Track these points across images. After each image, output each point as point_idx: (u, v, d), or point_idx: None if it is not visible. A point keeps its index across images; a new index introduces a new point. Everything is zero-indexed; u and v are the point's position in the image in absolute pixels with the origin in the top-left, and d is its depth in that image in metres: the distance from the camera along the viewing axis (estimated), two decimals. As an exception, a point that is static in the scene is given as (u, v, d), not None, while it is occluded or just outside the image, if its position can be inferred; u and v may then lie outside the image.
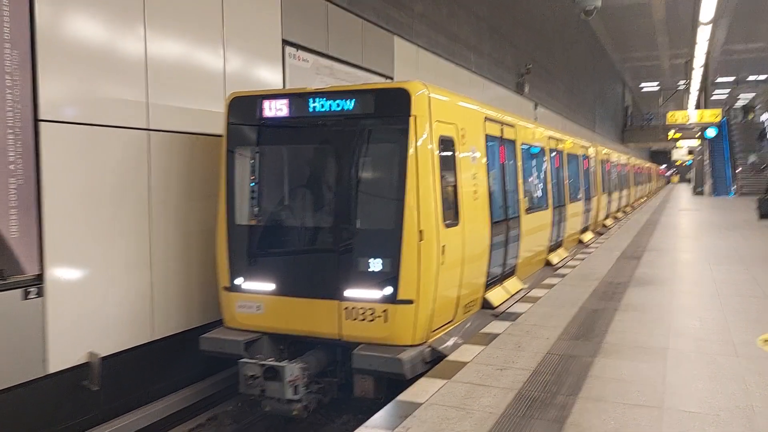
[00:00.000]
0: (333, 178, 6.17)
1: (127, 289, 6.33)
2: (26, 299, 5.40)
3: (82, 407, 5.87)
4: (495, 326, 6.74)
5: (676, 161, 72.72)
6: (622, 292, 8.42)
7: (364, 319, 5.87)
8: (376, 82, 11.08)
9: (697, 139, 37.61)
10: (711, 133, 35.52)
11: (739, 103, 58.22)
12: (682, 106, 46.24)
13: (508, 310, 7.49)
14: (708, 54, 32.33)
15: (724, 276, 9.57)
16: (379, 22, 11.71)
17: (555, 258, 11.50)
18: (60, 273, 5.66)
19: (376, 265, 5.84)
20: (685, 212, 24.38)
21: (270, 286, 6.26)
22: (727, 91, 60.16)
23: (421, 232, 5.72)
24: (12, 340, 5.30)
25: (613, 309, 7.39)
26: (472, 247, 6.76)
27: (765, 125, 38.86)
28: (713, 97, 54.96)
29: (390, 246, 5.76)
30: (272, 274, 6.27)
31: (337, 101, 6.03)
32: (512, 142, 8.97)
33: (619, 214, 23.59)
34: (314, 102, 6.12)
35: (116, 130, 6.17)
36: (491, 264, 7.53)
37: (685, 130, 37.88)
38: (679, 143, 46.26)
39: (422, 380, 5.08)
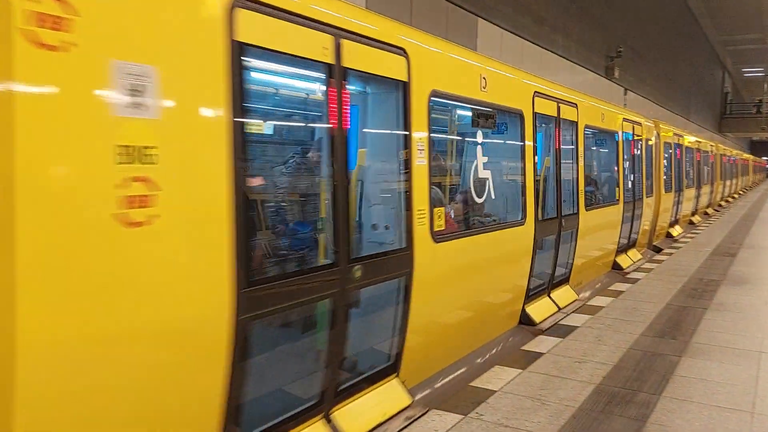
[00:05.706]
0: None
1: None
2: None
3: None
4: (573, 319, 6.57)
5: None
6: (713, 290, 7.97)
7: None
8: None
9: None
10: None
11: None
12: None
13: (589, 303, 7.26)
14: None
15: (830, 278, 8.87)
16: (463, 4, 11.51)
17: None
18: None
19: None
20: (788, 208, 22.70)
21: None
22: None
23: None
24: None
25: (703, 307, 7.01)
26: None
27: None
28: (827, 84, 50.51)
29: None
30: None
31: None
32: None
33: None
34: None
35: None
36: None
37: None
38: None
39: (495, 368, 5.03)
